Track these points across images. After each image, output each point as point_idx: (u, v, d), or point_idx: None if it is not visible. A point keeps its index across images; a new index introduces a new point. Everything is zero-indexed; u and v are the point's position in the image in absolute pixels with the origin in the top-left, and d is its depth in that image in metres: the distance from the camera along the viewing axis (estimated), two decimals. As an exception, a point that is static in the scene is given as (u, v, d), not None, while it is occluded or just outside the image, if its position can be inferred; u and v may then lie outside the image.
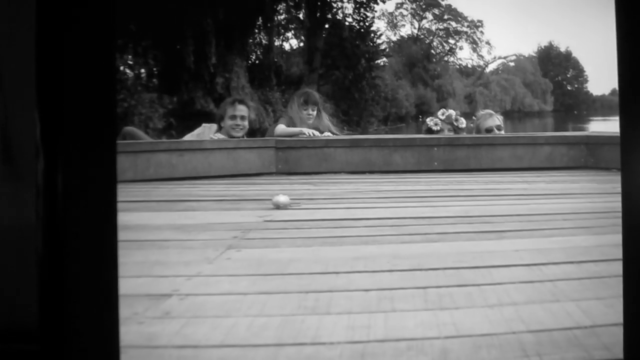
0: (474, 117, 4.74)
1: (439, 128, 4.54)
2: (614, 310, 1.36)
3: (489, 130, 4.54)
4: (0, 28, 1.70)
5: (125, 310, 1.35)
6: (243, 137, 4.33)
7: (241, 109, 4.30)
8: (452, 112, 4.64)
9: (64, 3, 1.23)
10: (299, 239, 2.09)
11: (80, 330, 1.24)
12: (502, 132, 4.62)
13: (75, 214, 1.24)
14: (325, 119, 4.73)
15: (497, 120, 4.60)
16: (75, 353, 1.24)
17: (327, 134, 4.54)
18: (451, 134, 4.52)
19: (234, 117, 4.27)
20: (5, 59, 1.74)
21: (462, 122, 4.64)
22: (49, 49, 1.23)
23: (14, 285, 1.62)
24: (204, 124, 4.55)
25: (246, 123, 4.28)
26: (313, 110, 4.62)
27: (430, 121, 4.62)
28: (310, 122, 4.55)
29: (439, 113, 4.60)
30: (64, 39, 1.24)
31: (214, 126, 4.38)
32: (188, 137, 4.41)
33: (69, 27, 1.24)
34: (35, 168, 1.23)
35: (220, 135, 4.30)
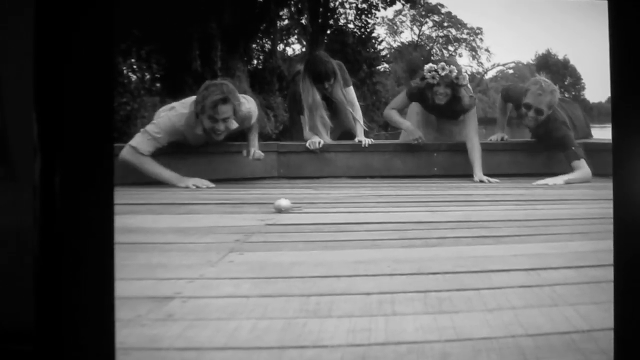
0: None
1: (436, 82, 3.94)
2: (611, 315, 1.38)
3: (527, 107, 3.87)
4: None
5: (127, 312, 1.37)
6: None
7: (224, 111, 3.45)
8: (453, 69, 3.95)
9: (64, 7, 1.25)
10: (300, 242, 2.11)
11: (76, 331, 1.25)
12: (542, 115, 3.85)
13: (72, 216, 1.26)
14: (345, 93, 4.15)
15: (548, 99, 3.86)
16: (71, 354, 1.25)
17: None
18: (448, 91, 3.95)
19: (213, 119, 3.46)
20: (4, 59, 1.76)
21: (464, 79, 3.97)
22: (48, 54, 1.25)
23: (11, 286, 1.64)
24: (174, 104, 3.68)
25: (230, 124, 3.48)
26: (330, 86, 4.05)
27: (428, 72, 3.98)
28: (328, 95, 4.07)
29: (439, 67, 3.96)
30: (63, 43, 1.25)
31: (187, 104, 3.55)
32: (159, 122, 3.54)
33: (70, 30, 1.25)
34: (33, 169, 1.24)
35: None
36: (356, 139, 4.14)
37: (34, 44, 1.24)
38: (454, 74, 3.91)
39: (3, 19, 1.73)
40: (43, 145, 1.23)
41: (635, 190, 1.30)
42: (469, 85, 4.09)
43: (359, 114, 4.26)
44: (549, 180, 3.65)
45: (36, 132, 1.23)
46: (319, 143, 4.01)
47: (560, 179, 3.65)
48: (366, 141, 4.09)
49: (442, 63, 3.95)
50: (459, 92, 3.96)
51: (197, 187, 3.39)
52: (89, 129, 1.26)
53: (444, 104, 3.99)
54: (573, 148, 3.81)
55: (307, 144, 4.01)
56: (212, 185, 3.44)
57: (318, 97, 4.05)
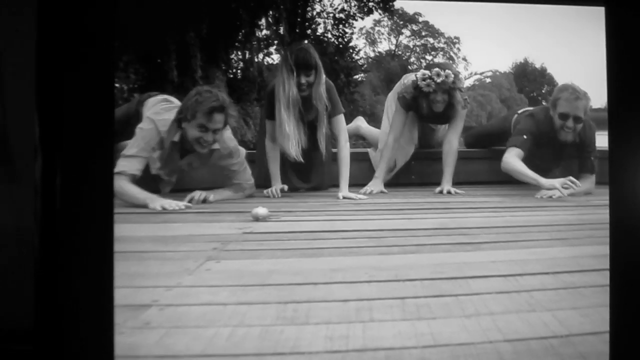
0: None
1: (431, 90, 3.62)
2: (589, 320, 1.39)
3: (564, 117, 3.52)
4: (1, 29, 1.72)
5: (105, 320, 1.36)
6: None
7: (218, 121, 3.07)
8: (449, 73, 3.62)
9: (66, 9, 1.24)
10: (278, 250, 2.10)
11: (76, 330, 1.24)
12: (580, 122, 3.50)
13: (73, 216, 1.25)
14: (322, 91, 3.48)
15: (584, 104, 3.48)
16: (70, 354, 1.25)
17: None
18: (445, 97, 3.66)
19: (204, 128, 3.07)
20: (5, 61, 1.75)
21: (461, 81, 3.68)
22: (50, 55, 1.24)
23: (11, 286, 1.62)
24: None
25: (218, 137, 3.13)
26: (308, 76, 3.42)
27: (422, 81, 3.64)
28: (305, 95, 3.44)
29: (434, 73, 3.62)
30: (64, 45, 1.25)
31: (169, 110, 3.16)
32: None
33: (71, 32, 1.25)
34: (33, 170, 1.24)
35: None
36: (340, 195, 3.47)
37: (35, 45, 1.24)
38: (451, 78, 3.63)
39: (4, 20, 1.72)
40: (44, 146, 1.24)
41: (632, 194, 1.32)
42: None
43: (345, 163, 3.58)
44: (556, 193, 3.43)
45: (37, 133, 1.23)
46: (280, 190, 3.52)
47: (565, 190, 3.43)
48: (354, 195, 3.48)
49: (437, 69, 3.64)
50: (455, 96, 3.69)
51: (164, 209, 2.93)
52: (90, 130, 1.26)
53: (442, 111, 3.75)
54: (593, 159, 3.58)
55: (265, 192, 3.51)
56: (181, 205, 3.01)
57: (295, 91, 3.44)
